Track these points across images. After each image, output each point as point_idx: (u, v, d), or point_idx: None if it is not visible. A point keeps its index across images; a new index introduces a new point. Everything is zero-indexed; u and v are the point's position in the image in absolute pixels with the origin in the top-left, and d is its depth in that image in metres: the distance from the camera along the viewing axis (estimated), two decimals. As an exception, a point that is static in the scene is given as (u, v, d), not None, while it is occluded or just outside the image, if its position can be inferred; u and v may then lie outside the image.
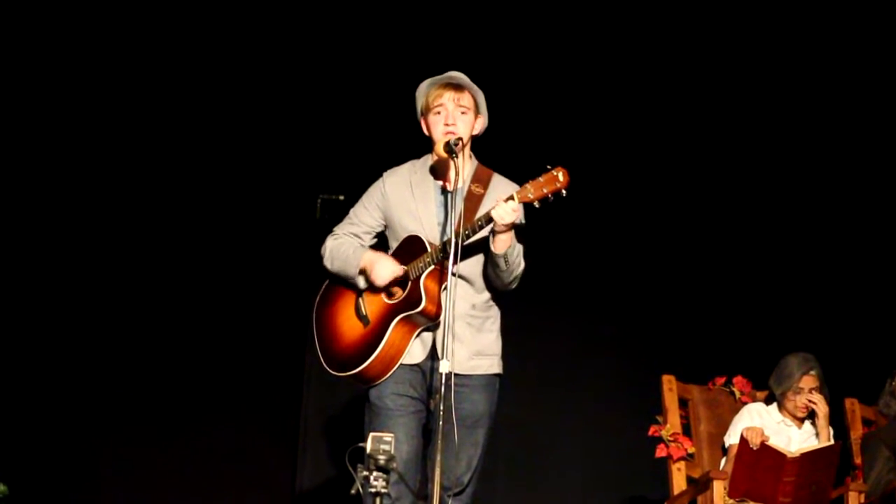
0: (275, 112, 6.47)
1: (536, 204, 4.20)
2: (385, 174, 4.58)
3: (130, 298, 6.32)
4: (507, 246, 4.28)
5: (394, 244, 4.50)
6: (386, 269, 4.39)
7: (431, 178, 4.50)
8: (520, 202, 4.21)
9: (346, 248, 4.50)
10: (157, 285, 6.34)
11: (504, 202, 4.20)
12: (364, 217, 4.55)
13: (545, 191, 4.18)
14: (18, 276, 6.23)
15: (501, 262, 4.31)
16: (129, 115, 6.40)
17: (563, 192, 4.18)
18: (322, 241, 4.60)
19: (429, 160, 4.52)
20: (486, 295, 4.47)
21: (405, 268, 4.37)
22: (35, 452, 6.09)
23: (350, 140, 6.37)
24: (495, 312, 4.51)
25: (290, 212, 6.31)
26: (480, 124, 4.49)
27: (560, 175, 4.18)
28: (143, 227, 6.36)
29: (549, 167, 4.19)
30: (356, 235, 4.55)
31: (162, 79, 6.42)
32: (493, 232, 4.25)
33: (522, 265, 4.40)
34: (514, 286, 4.44)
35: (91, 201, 6.34)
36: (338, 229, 4.59)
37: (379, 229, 4.56)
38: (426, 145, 4.51)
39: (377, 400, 4.41)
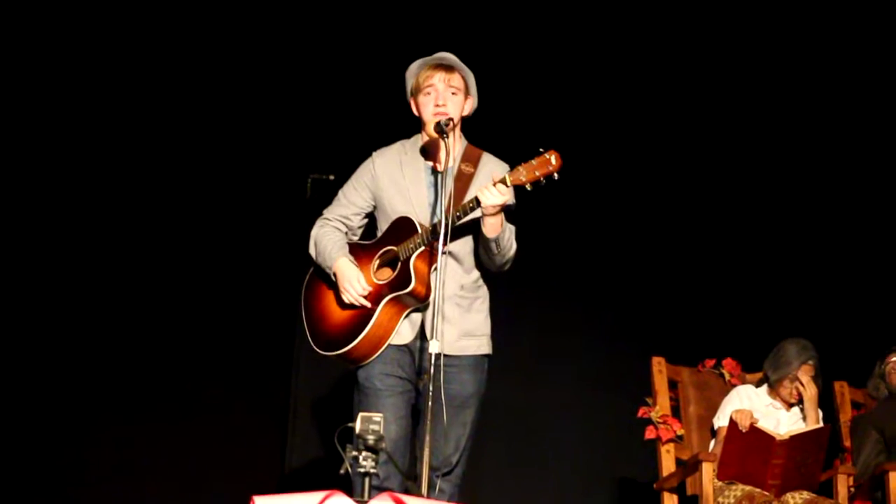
0: (264, 92, 6.44)
1: (528, 187, 4.20)
2: (374, 154, 4.56)
3: (120, 278, 6.30)
4: (497, 229, 4.27)
5: (384, 224, 4.49)
6: (352, 287, 4.36)
7: (421, 158, 4.48)
8: (511, 184, 4.20)
9: (326, 242, 4.48)
10: (147, 266, 6.32)
11: (493, 185, 4.19)
12: (353, 197, 4.54)
13: (537, 174, 4.17)
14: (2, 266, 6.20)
15: (493, 246, 4.31)
16: (116, 98, 6.36)
17: (556, 175, 4.17)
18: (312, 221, 4.59)
19: (419, 140, 4.51)
20: (475, 275, 4.46)
21: (366, 293, 4.35)
22: (24, 432, 6.08)
23: (340, 119, 6.36)
24: (484, 293, 4.50)
25: (281, 192, 6.29)
26: (470, 105, 4.49)
27: (553, 158, 4.17)
28: (132, 210, 6.33)
29: (541, 150, 4.18)
30: (346, 217, 4.53)
31: (150, 61, 6.38)
32: (483, 215, 4.25)
33: (514, 247, 4.40)
34: (507, 268, 4.44)
35: (76, 185, 6.30)
36: (327, 212, 4.58)
37: (368, 209, 4.55)
38: (416, 125, 4.51)
39: (365, 381, 4.41)
